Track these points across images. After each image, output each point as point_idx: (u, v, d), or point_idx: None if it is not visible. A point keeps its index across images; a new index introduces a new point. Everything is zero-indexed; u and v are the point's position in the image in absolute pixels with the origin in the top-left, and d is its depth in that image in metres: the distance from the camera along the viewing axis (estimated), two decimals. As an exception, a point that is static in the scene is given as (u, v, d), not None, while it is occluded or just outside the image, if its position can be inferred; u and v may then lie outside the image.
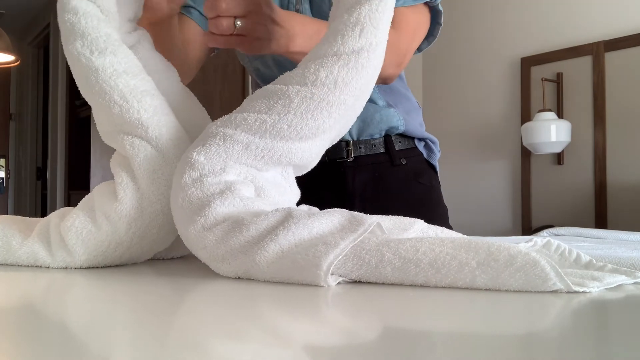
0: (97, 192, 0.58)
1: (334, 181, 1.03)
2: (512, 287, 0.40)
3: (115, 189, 0.56)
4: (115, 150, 0.61)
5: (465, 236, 0.50)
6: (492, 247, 0.41)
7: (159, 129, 0.57)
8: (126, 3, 0.64)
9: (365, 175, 1.03)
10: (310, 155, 0.56)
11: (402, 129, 1.02)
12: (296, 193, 0.59)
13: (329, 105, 0.52)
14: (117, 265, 0.59)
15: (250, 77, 3.57)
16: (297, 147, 0.54)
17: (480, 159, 3.32)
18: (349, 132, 0.99)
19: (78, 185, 4.18)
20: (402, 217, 0.58)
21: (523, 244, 0.48)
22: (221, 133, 0.53)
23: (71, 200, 4.28)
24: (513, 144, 3.05)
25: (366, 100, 0.58)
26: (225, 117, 0.55)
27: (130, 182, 0.56)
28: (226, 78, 3.67)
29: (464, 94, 3.42)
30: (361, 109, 0.57)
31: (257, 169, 0.54)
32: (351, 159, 1.02)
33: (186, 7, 0.96)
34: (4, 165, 5.35)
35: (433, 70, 3.58)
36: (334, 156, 1.01)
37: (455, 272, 0.41)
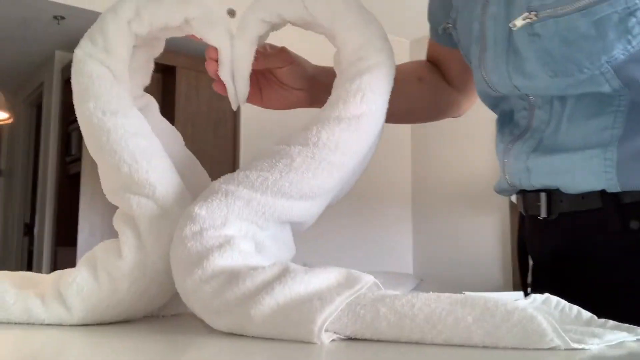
0: (100, 249, 0.59)
1: (529, 242, 0.78)
2: (509, 344, 0.41)
3: (119, 247, 0.57)
4: (112, 209, 0.62)
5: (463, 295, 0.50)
6: (488, 302, 0.42)
7: (166, 189, 0.59)
8: (136, 69, 0.67)
9: (557, 241, 0.71)
10: (309, 214, 0.58)
11: (611, 189, 0.63)
12: (292, 250, 0.60)
13: (330, 166, 0.55)
14: (111, 323, 0.59)
15: (242, 135, 3.62)
16: (297, 206, 0.56)
17: (469, 214, 3.35)
18: (533, 181, 0.71)
19: (65, 242, 4.14)
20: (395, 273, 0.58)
21: (522, 301, 0.49)
22: (223, 189, 0.55)
23: (58, 256, 4.23)
24: (501, 199, 3.08)
25: (366, 164, 0.59)
26: (229, 174, 0.57)
27: (135, 241, 0.57)
28: (217, 135, 3.71)
29: (451, 149, 3.47)
30: (361, 173, 0.59)
31: (257, 225, 0.55)
32: (544, 216, 0.71)
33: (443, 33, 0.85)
34: (-10, 221, 5.30)
35: (421, 126, 3.65)
36: (531, 210, 0.74)
37: (451, 327, 0.42)
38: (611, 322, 0.46)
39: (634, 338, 0.44)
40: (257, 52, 0.67)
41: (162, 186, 0.58)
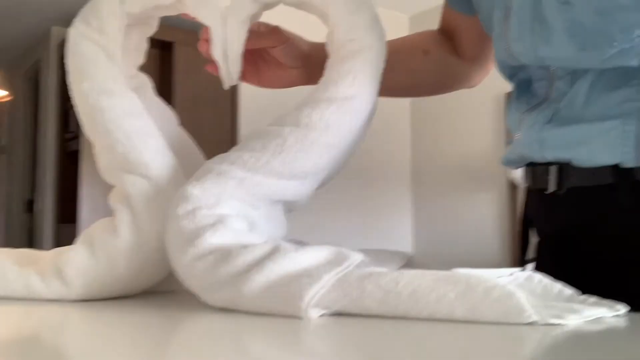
0: (97, 227, 0.60)
1: (535, 218, 0.77)
2: (490, 319, 0.42)
3: (115, 225, 0.59)
4: (112, 187, 0.63)
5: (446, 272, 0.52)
6: (471, 279, 0.44)
7: (160, 169, 0.60)
8: (130, 49, 0.68)
9: (565, 216, 0.70)
10: (301, 194, 0.59)
11: (626, 163, 0.61)
12: (284, 229, 0.61)
13: (321, 147, 0.56)
14: (109, 298, 0.61)
15: (241, 113, 3.62)
16: (289, 185, 0.57)
17: (468, 191, 3.36)
18: (545, 153, 0.68)
19: (66, 219, 4.16)
20: (385, 251, 0.60)
21: (504, 278, 0.50)
22: (216, 169, 0.56)
23: (60, 233, 4.26)
24: (499, 177, 3.10)
25: (358, 146, 0.60)
26: (222, 155, 0.58)
27: (130, 219, 0.59)
28: (217, 113, 3.71)
29: (451, 126, 3.47)
30: (352, 153, 0.60)
31: (250, 204, 0.57)
32: (553, 190, 0.68)
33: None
34: (-8, 198, 5.33)
35: (421, 104, 3.64)
36: (539, 184, 0.72)
37: (434, 303, 0.44)
38: (592, 299, 0.48)
39: (612, 314, 0.45)
40: (250, 31, 0.67)
41: (156, 165, 0.60)
